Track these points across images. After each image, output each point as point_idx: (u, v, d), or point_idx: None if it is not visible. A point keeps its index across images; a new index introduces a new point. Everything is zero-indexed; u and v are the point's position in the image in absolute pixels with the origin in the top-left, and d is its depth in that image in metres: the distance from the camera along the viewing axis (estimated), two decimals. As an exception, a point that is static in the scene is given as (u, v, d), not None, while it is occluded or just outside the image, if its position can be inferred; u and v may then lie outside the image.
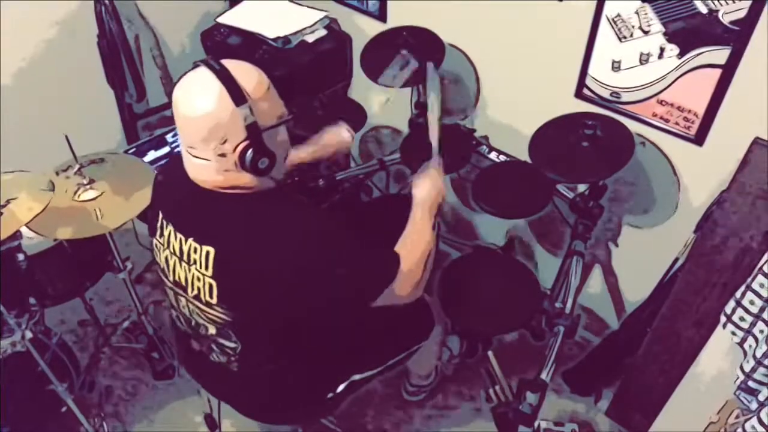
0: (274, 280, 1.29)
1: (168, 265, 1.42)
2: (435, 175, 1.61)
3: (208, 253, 1.31)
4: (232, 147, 1.26)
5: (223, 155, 1.26)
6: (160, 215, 1.41)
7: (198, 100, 1.23)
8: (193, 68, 1.28)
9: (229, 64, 1.26)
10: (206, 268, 1.32)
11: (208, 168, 1.29)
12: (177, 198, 1.41)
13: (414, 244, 1.50)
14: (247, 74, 1.27)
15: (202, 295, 1.36)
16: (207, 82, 1.23)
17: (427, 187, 1.57)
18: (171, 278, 1.43)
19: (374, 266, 1.42)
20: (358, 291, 1.40)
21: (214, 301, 1.35)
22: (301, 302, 1.33)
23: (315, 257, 1.30)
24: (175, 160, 1.42)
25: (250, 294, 1.33)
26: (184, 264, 1.37)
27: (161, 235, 1.41)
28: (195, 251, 1.33)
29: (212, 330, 1.42)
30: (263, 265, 1.29)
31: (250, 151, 1.26)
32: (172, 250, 1.39)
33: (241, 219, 1.32)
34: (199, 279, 1.35)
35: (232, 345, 1.43)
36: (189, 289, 1.39)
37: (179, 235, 1.36)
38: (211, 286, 1.34)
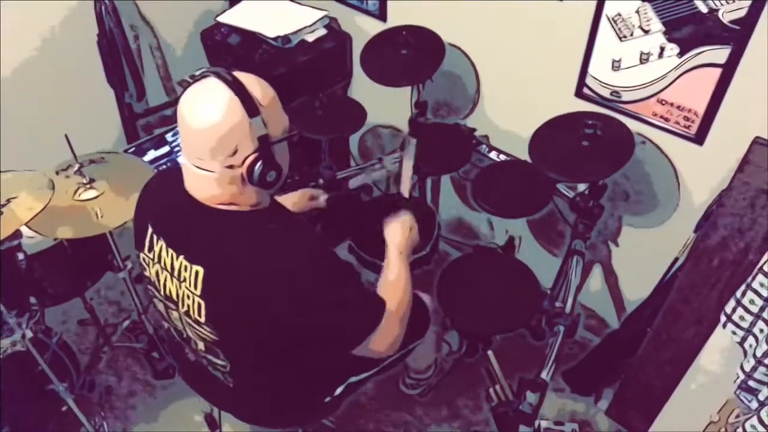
0: (262, 304, 1.27)
1: (159, 280, 1.39)
2: (406, 220, 1.65)
3: (197, 272, 1.29)
4: (242, 159, 1.24)
5: (230, 167, 1.24)
6: (150, 230, 1.38)
7: (210, 111, 1.20)
8: (199, 79, 1.24)
9: (239, 75, 1.24)
10: (195, 287, 1.30)
11: (212, 181, 1.26)
12: (170, 213, 1.38)
13: (393, 288, 1.49)
14: (258, 85, 1.25)
15: (191, 313, 1.35)
16: (219, 93, 1.20)
17: (399, 231, 1.61)
18: (162, 293, 1.41)
19: (363, 305, 1.40)
20: (343, 324, 1.37)
21: (203, 320, 1.33)
22: (288, 328, 1.31)
23: (304, 286, 1.28)
24: (165, 174, 1.40)
25: (237, 317, 1.31)
26: (175, 280, 1.35)
27: (150, 249, 1.38)
28: (185, 269, 1.31)
29: (201, 346, 1.41)
30: (251, 290, 1.27)
31: (259, 163, 1.24)
32: (163, 265, 1.36)
33: (232, 239, 1.29)
34: (188, 297, 1.33)
35: (222, 363, 1.41)
36: (180, 305, 1.37)
37: (171, 251, 1.33)
38: (199, 305, 1.32)
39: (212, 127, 1.20)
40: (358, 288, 1.41)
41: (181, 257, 1.31)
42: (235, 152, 1.23)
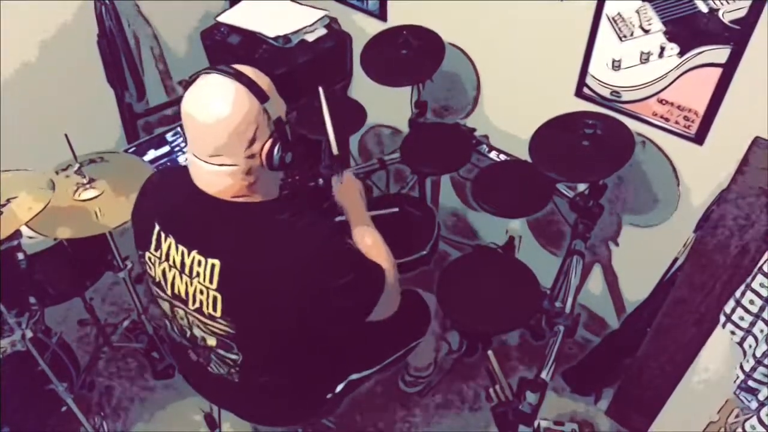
0: (280, 293, 1.28)
1: (166, 279, 1.39)
2: (346, 180, 1.70)
3: (213, 265, 1.29)
4: (261, 145, 1.26)
5: (251, 156, 1.26)
6: (156, 228, 1.37)
7: (221, 104, 1.21)
8: (197, 78, 1.25)
9: (238, 67, 1.25)
10: (210, 281, 1.30)
11: (226, 174, 1.27)
12: (179, 210, 1.37)
13: (376, 249, 1.52)
14: (257, 74, 1.27)
15: (204, 308, 1.34)
16: (226, 86, 1.22)
17: (350, 194, 1.66)
18: (169, 292, 1.40)
19: (369, 278, 1.42)
20: (357, 301, 1.40)
21: (218, 314, 1.33)
22: (306, 314, 1.32)
23: (320, 269, 1.29)
24: (164, 173, 1.43)
25: (255, 307, 1.32)
26: (185, 277, 1.34)
27: (157, 248, 1.38)
28: (199, 264, 1.31)
29: (212, 342, 1.41)
30: (268, 279, 1.28)
31: (278, 146, 1.27)
32: (171, 263, 1.36)
33: (246, 230, 1.30)
34: (202, 292, 1.33)
35: (233, 356, 1.41)
36: (190, 303, 1.36)
37: (181, 248, 1.33)
38: (215, 299, 1.32)
39: (226, 119, 1.21)
40: (363, 263, 1.43)
41: (194, 252, 1.31)
42: (254, 140, 1.25)
